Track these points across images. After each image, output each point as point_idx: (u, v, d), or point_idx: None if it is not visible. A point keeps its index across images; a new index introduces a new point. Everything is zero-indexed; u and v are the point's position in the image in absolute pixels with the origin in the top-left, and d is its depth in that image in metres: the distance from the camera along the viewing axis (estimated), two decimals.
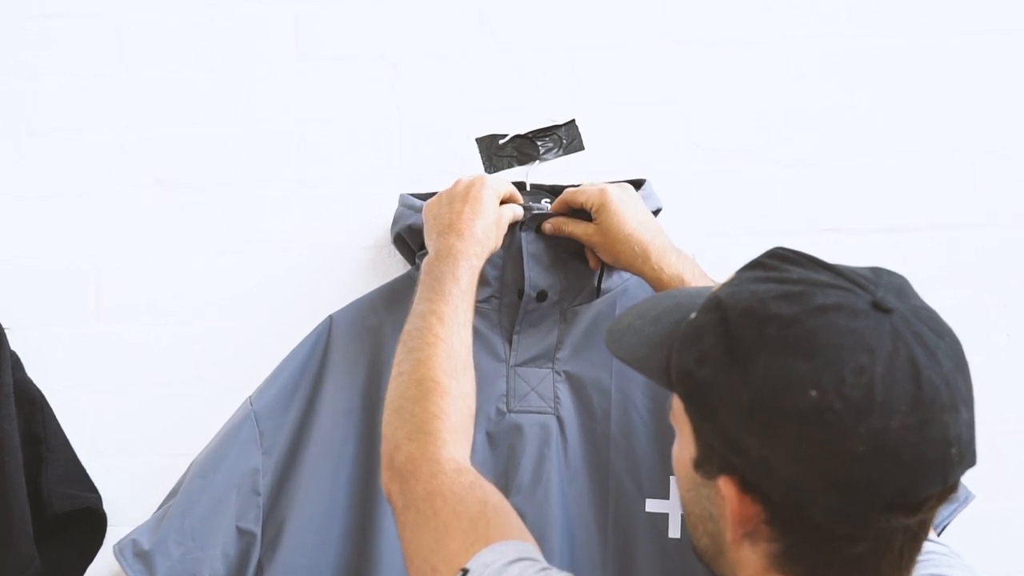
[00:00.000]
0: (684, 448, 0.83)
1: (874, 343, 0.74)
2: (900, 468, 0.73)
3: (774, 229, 1.41)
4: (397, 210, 1.32)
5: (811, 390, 0.73)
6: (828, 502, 0.74)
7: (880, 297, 0.76)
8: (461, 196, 1.20)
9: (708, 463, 0.80)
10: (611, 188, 1.23)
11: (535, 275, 1.26)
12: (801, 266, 0.79)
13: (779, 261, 0.80)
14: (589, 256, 1.26)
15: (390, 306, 1.30)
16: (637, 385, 1.27)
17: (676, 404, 0.83)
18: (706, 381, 0.77)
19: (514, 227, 1.25)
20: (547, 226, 1.25)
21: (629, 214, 1.20)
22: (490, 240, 1.18)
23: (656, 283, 1.19)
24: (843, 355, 0.73)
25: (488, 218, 1.18)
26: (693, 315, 0.81)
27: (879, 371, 0.73)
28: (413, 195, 1.33)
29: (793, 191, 1.42)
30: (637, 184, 1.32)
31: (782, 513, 0.77)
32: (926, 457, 0.73)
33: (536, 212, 1.27)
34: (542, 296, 1.27)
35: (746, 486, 0.77)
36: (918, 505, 0.76)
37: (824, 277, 0.78)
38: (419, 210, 1.26)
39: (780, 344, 0.74)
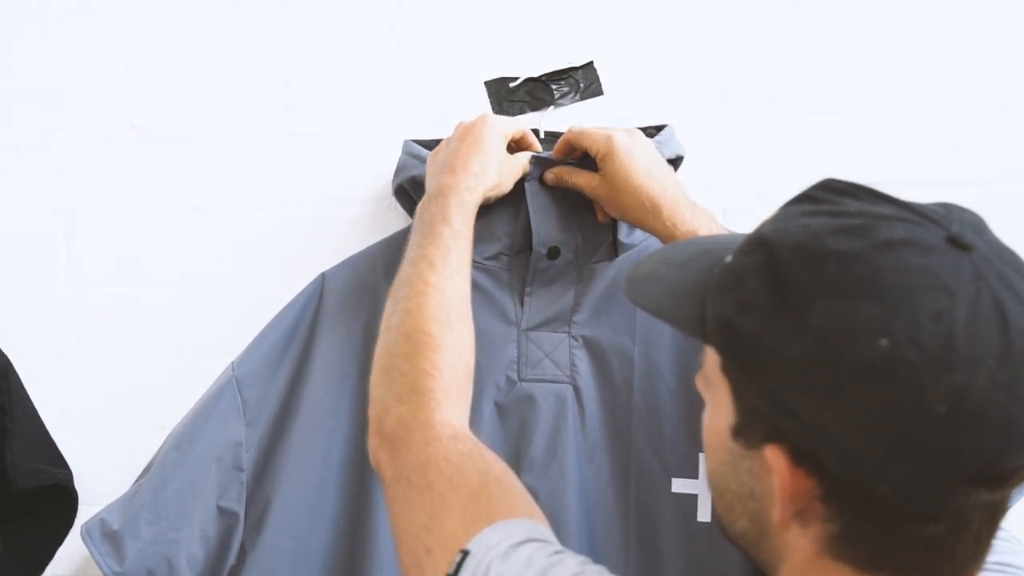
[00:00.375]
0: (719, 414, 0.75)
1: (953, 284, 0.64)
2: (986, 433, 0.64)
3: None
4: (400, 159, 1.24)
5: (880, 339, 0.64)
6: (898, 474, 0.65)
7: (956, 232, 0.67)
8: (459, 136, 1.13)
9: (750, 430, 0.72)
10: (618, 134, 1.14)
11: (544, 229, 1.18)
12: (858, 198, 0.71)
13: (832, 193, 0.72)
14: (597, 210, 1.19)
15: (390, 263, 1.21)
16: (664, 351, 1.19)
17: (709, 362, 0.75)
18: (750, 331, 0.69)
19: (521, 177, 1.18)
20: (548, 175, 1.17)
21: (638, 163, 1.12)
22: (488, 175, 1.10)
23: (669, 241, 1.10)
24: (918, 297, 0.64)
25: (487, 155, 1.11)
26: (729, 258, 0.73)
27: (961, 317, 0.64)
28: (419, 142, 1.25)
29: (832, 144, 1.32)
30: (659, 129, 1.24)
31: (841, 488, 0.68)
32: (1016, 420, 0.64)
33: (538, 157, 1.19)
34: (554, 253, 1.19)
35: (798, 456, 0.69)
36: (1004, 478, 0.67)
37: (887, 210, 0.69)
38: (425, 160, 1.18)
39: (841, 285, 0.66)
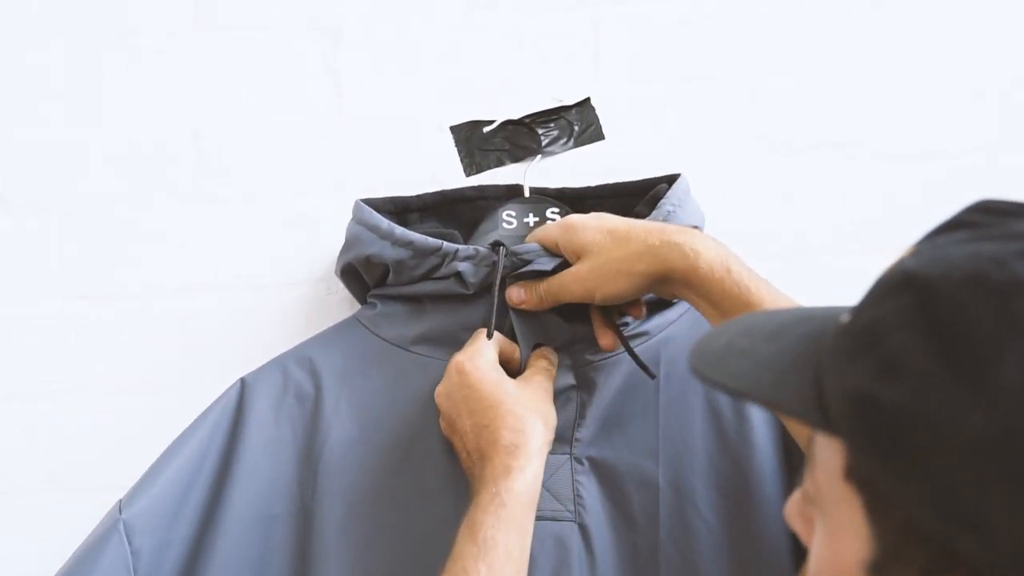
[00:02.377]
0: (841, 546, 0.61)
1: None
2: None
3: (867, 246, 1.17)
4: (350, 229, 1.07)
5: None
6: None
7: None
8: (460, 395, 1.00)
9: (901, 562, 0.58)
10: (565, 219, 1.04)
11: (524, 323, 1.05)
12: None
13: (995, 216, 0.61)
14: (601, 332, 1.04)
15: (330, 364, 1.07)
16: (698, 474, 1.01)
17: (825, 468, 0.62)
18: (904, 406, 0.55)
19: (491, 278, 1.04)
20: (517, 298, 1.04)
21: (609, 220, 1.01)
22: (528, 437, 0.96)
23: (692, 278, 0.95)
24: None
25: (508, 412, 0.97)
26: (846, 317, 0.61)
27: None
28: (373, 204, 1.09)
29: (905, 197, 1.18)
30: (669, 180, 1.09)
31: None
32: None
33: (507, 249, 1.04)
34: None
35: None
36: None
37: None
38: (386, 235, 1.04)
39: None
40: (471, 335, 1.03)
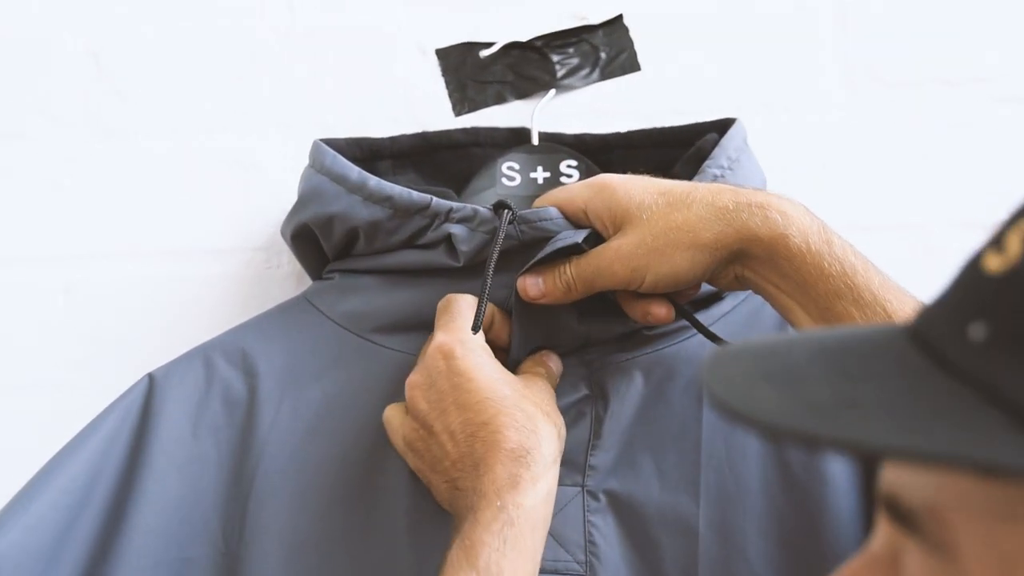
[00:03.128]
0: None
1: None
2: None
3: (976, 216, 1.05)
4: (307, 180, 0.98)
5: None
6: None
7: None
8: (445, 401, 0.87)
9: None
10: (594, 178, 0.92)
11: (523, 320, 0.93)
12: None
13: None
14: (650, 304, 0.91)
15: (269, 359, 0.95)
16: (751, 517, 0.90)
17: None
18: None
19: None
20: (535, 290, 0.91)
21: (644, 179, 0.89)
22: (539, 445, 0.85)
23: (780, 249, 0.84)
24: None
25: (514, 411, 0.86)
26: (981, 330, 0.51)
27: None
28: (334, 144, 0.99)
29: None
30: (721, 126, 1.00)
31: None
32: None
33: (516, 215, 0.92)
34: None
35: None
36: None
37: None
38: (356, 188, 0.94)
39: None
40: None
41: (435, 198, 0.91)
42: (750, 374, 0.59)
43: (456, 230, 0.89)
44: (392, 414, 0.90)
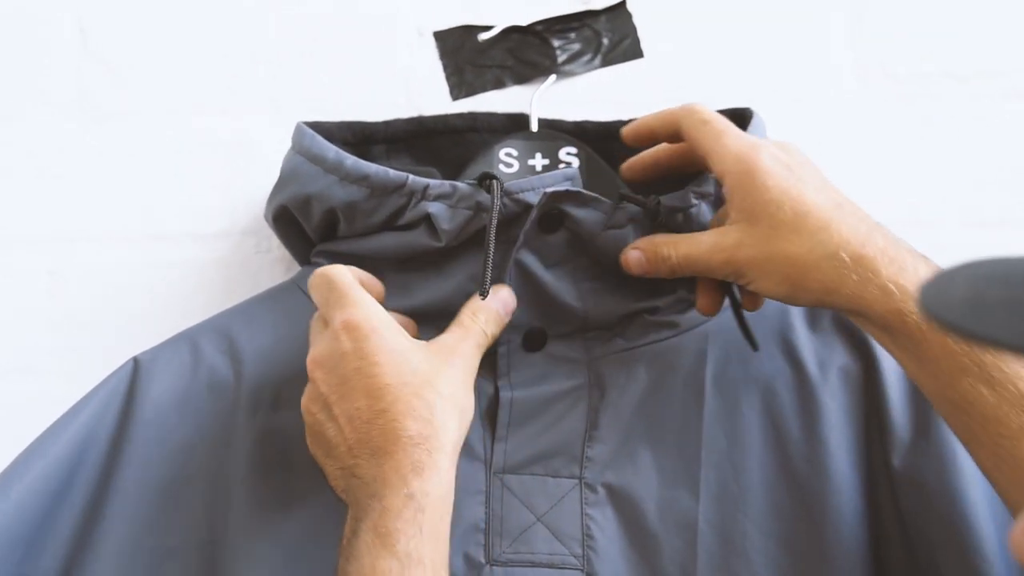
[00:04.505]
0: None
1: None
2: None
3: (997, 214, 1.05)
4: (287, 161, 0.97)
5: None
6: None
7: None
8: (334, 372, 0.84)
9: None
10: (761, 143, 0.86)
11: (527, 300, 0.92)
12: None
13: None
14: (707, 294, 0.90)
15: (256, 344, 0.94)
16: (751, 515, 0.90)
17: None
18: None
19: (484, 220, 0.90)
20: (638, 265, 0.89)
21: (810, 189, 0.84)
22: (441, 428, 0.83)
23: (895, 323, 0.80)
24: None
25: (417, 389, 0.83)
26: None
27: None
28: (321, 127, 0.98)
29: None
30: (741, 117, 0.97)
31: None
32: None
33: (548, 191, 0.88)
34: (536, 339, 0.93)
35: None
36: None
37: None
38: (333, 168, 0.92)
39: None
40: (443, 313, 0.90)
41: (411, 176, 0.89)
42: (969, 296, 0.57)
43: (434, 209, 0.88)
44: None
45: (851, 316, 0.83)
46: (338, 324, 0.82)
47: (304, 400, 0.84)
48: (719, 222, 0.85)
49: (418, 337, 0.86)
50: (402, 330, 0.84)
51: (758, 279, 0.82)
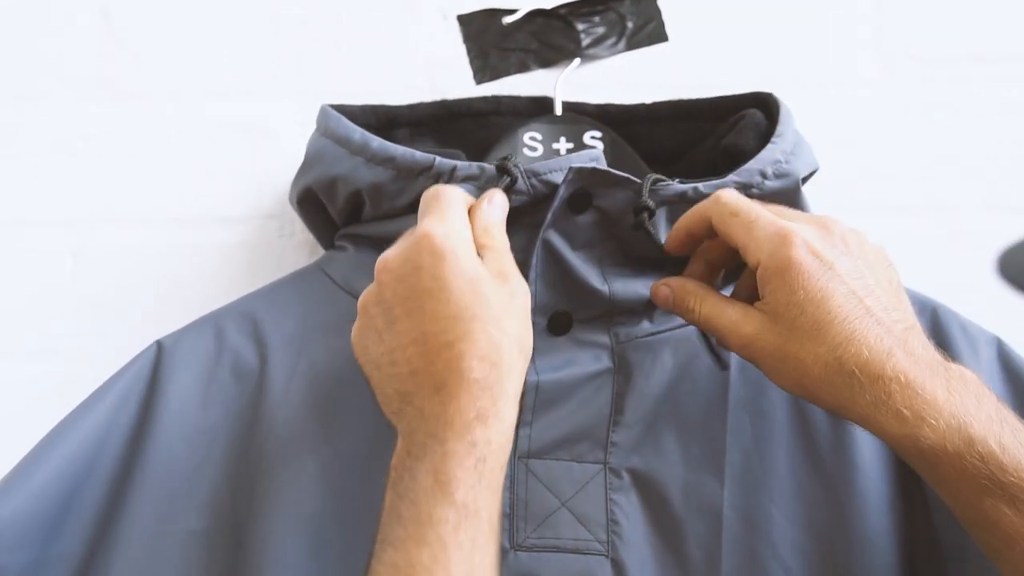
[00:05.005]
0: None
1: None
2: None
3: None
4: (312, 144, 0.96)
5: None
6: None
7: None
8: (403, 298, 0.81)
9: None
10: (802, 227, 0.82)
11: (545, 280, 0.91)
12: None
13: None
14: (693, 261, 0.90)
15: (281, 328, 0.93)
16: (779, 501, 0.89)
17: None
18: None
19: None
20: (662, 300, 0.89)
21: (839, 292, 0.81)
22: (508, 373, 0.79)
23: (909, 449, 0.78)
24: None
25: (485, 324, 0.80)
26: None
27: None
28: (347, 111, 0.97)
29: None
30: (754, 100, 0.98)
31: None
32: None
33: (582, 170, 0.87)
34: (560, 323, 0.91)
35: None
36: None
37: None
38: (359, 150, 0.92)
39: None
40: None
41: (439, 158, 0.88)
42: None
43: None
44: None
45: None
46: (423, 233, 0.79)
47: (365, 298, 0.81)
48: (752, 282, 0.83)
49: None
50: (477, 256, 0.81)
51: (771, 374, 0.81)
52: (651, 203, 0.84)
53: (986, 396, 0.76)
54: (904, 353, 0.76)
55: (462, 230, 0.80)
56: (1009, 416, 0.74)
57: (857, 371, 0.76)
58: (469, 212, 0.82)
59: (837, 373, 0.77)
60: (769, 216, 0.81)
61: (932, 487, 0.76)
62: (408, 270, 0.78)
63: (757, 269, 0.80)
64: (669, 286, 0.86)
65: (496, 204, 0.83)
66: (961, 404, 0.75)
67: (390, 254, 0.78)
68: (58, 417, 0.90)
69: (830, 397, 0.77)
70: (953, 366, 0.77)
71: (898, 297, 0.81)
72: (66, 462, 0.87)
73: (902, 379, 0.75)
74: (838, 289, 0.78)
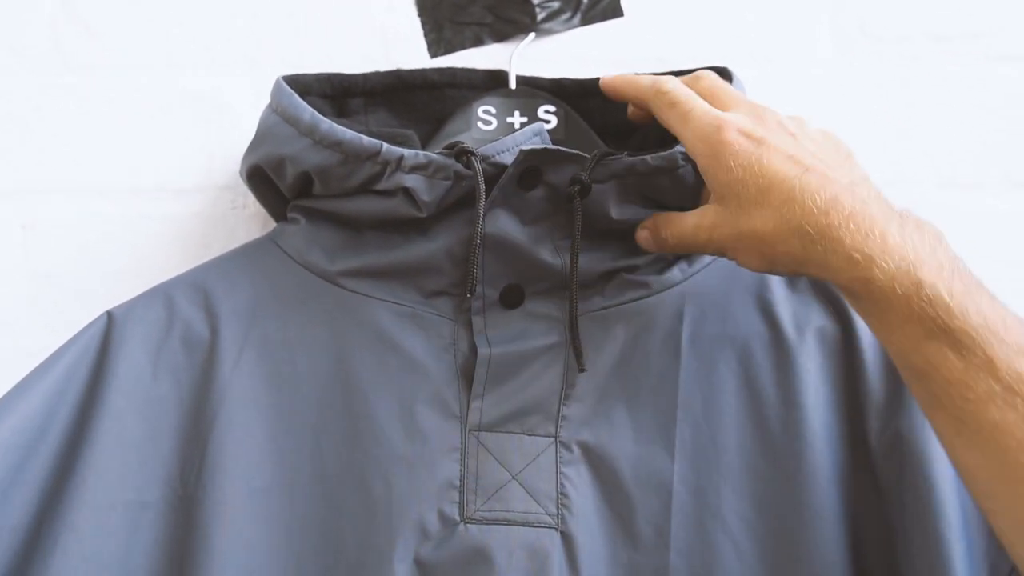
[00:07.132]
0: None
1: None
2: None
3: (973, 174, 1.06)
4: (264, 119, 0.95)
5: None
6: None
7: None
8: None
9: None
10: (733, 117, 0.83)
11: (495, 253, 0.91)
12: None
13: None
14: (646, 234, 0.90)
15: (232, 299, 0.93)
16: (728, 477, 0.89)
17: None
18: None
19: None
20: (646, 243, 0.90)
21: (777, 158, 0.82)
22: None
23: (862, 292, 0.78)
24: None
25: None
26: None
27: None
28: (301, 81, 0.97)
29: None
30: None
31: None
32: None
33: (529, 150, 0.87)
34: (512, 296, 0.91)
35: None
36: None
37: None
38: (307, 131, 0.91)
39: None
40: (424, 271, 0.90)
41: (386, 144, 0.87)
42: None
43: (412, 183, 0.86)
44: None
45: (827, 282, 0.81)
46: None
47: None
48: (707, 196, 0.84)
49: (399, 293, 0.86)
50: None
51: (738, 256, 0.82)
52: (586, 178, 0.84)
53: (941, 247, 0.76)
54: (851, 197, 0.77)
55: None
56: (962, 268, 0.74)
57: (807, 226, 0.77)
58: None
59: (788, 231, 0.78)
60: (704, 107, 0.83)
61: (879, 336, 0.78)
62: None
63: (696, 161, 0.82)
64: (646, 227, 0.87)
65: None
66: (912, 249, 0.75)
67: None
68: (6, 388, 0.89)
69: (788, 258, 0.79)
70: (910, 215, 0.77)
71: (848, 161, 0.83)
72: (13, 432, 0.87)
73: (851, 225, 0.76)
74: (773, 157, 0.80)
